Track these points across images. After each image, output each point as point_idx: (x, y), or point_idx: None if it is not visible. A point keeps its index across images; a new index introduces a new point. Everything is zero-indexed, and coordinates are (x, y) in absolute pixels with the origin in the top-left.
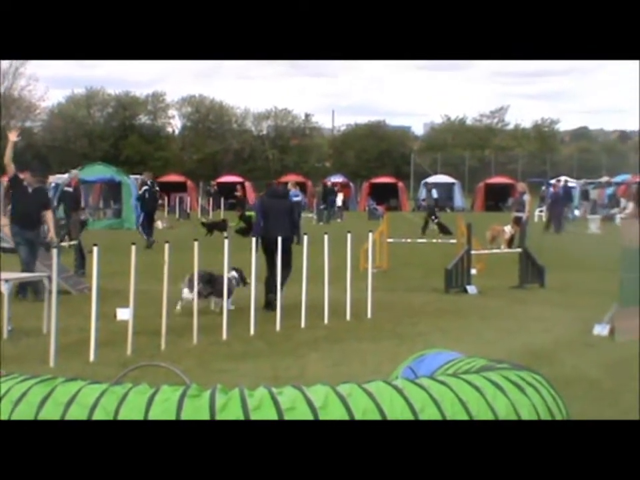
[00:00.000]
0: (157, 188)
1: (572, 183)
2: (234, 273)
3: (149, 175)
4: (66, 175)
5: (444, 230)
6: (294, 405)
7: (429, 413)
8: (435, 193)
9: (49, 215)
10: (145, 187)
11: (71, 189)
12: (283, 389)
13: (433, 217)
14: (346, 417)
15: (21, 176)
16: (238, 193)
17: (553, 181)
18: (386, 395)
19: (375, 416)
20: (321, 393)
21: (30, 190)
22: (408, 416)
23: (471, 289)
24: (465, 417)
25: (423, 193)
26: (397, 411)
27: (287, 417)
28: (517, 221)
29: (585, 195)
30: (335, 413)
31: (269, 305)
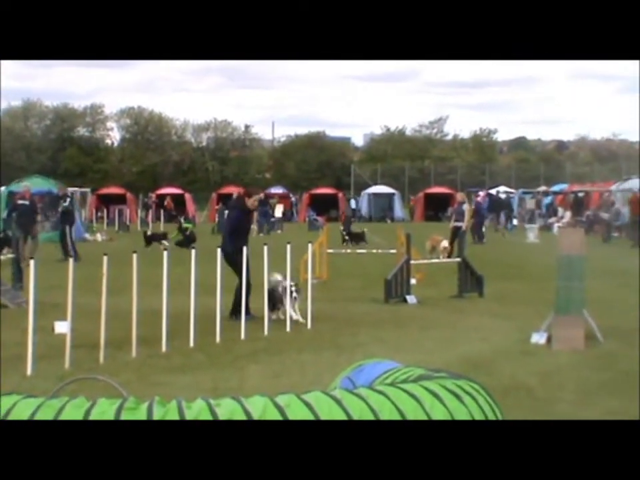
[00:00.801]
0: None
1: (510, 192)
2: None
3: (63, 188)
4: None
5: (355, 238)
6: (232, 416)
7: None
8: (353, 204)
9: None
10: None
11: (26, 202)
12: (221, 400)
13: (343, 228)
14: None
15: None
16: (165, 203)
17: (481, 193)
18: (324, 405)
19: (308, 416)
20: (259, 404)
21: None
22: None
23: (411, 299)
24: None
25: (352, 204)
26: (334, 420)
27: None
28: (456, 231)
29: (522, 204)
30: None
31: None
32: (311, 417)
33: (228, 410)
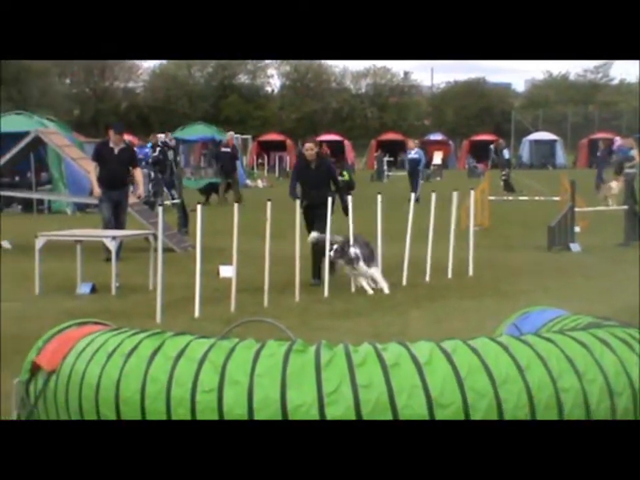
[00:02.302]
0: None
1: None
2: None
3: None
4: (162, 135)
5: (508, 188)
6: (398, 361)
7: (534, 370)
8: (505, 153)
9: (137, 173)
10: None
11: (228, 150)
12: (388, 345)
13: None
14: (451, 374)
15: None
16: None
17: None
18: (491, 351)
19: (479, 373)
20: (426, 349)
21: (116, 151)
22: (513, 372)
23: (574, 247)
24: (571, 374)
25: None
26: (502, 368)
27: (391, 373)
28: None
29: None
30: (439, 369)
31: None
32: (477, 363)
33: (394, 354)
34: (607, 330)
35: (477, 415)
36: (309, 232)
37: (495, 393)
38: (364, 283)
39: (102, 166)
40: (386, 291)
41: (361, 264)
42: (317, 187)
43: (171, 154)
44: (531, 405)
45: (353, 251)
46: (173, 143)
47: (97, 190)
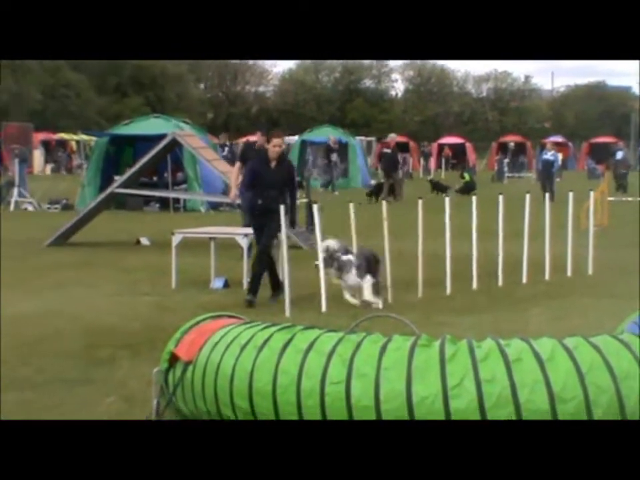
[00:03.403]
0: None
1: None
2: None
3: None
4: (295, 137)
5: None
6: (520, 356)
7: None
8: (619, 154)
9: None
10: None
11: (389, 151)
12: (510, 340)
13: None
14: (572, 370)
15: (253, 139)
16: (444, 152)
17: None
18: (612, 348)
19: (601, 369)
20: (548, 346)
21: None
22: (635, 369)
23: None
24: None
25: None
26: (623, 365)
27: (513, 368)
28: None
29: None
30: (561, 365)
31: None
32: (599, 360)
33: (517, 349)
34: None
35: (598, 410)
36: (258, 238)
37: (616, 389)
38: (347, 295)
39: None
40: (378, 306)
41: (350, 273)
42: (275, 189)
43: (334, 156)
44: None
45: (346, 258)
46: (336, 146)
47: (234, 193)
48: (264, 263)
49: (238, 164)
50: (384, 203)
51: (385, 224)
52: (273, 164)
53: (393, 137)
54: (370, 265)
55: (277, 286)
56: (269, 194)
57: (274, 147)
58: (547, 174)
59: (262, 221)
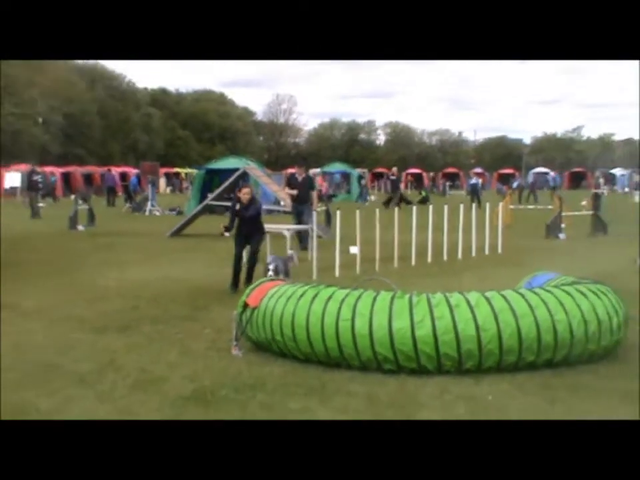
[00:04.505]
0: None
1: None
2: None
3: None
4: (318, 169)
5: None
6: (458, 303)
7: (540, 309)
8: (514, 183)
9: (314, 194)
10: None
11: (394, 177)
12: (452, 294)
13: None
14: (490, 311)
15: (292, 170)
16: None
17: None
18: (514, 297)
19: (507, 310)
20: (475, 296)
21: (299, 179)
22: (528, 311)
23: (562, 236)
24: (562, 312)
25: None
26: (521, 307)
27: (455, 312)
28: (594, 195)
29: (631, 178)
30: (483, 308)
31: None
32: (506, 305)
33: (456, 299)
34: (583, 285)
35: (505, 336)
36: (240, 250)
37: (516, 323)
38: None
39: (292, 188)
40: None
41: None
42: (250, 220)
43: (363, 181)
44: (537, 331)
45: (273, 265)
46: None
47: (289, 202)
48: (254, 260)
49: (285, 187)
50: (377, 209)
51: (377, 222)
52: (246, 204)
53: (395, 169)
54: (286, 265)
55: (238, 281)
56: (246, 223)
57: (244, 194)
58: (474, 191)
59: (246, 239)
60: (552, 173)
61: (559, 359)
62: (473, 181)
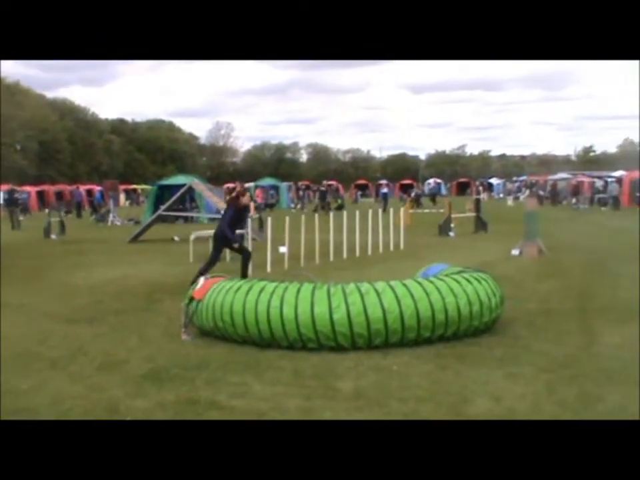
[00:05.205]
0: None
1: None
2: None
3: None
4: (252, 183)
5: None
6: (368, 292)
7: (433, 294)
8: (413, 192)
9: (252, 204)
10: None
11: (324, 189)
12: (363, 283)
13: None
14: (394, 297)
15: (231, 185)
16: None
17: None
18: (413, 285)
19: (408, 296)
20: (381, 285)
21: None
22: (424, 295)
23: (451, 234)
24: (452, 298)
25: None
26: (418, 292)
27: (365, 299)
28: (477, 200)
29: (505, 186)
30: (388, 295)
31: None
32: (407, 291)
33: (366, 288)
34: (468, 273)
35: (406, 317)
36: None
37: (415, 305)
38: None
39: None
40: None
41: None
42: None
43: (326, 195)
44: (432, 312)
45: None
46: (324, 188)
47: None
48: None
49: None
50: (302, 215)
51: (302, 225)
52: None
53: (325, 182)
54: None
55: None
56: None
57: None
58: (383, 199)
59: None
60: (442, 183)
61: (449, 334)
62: (384, 190)
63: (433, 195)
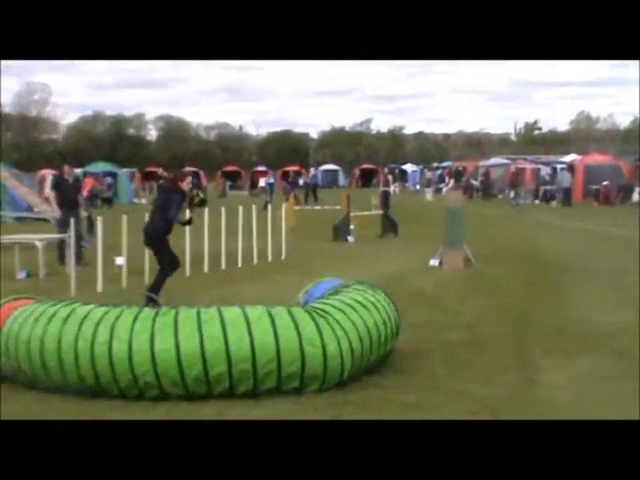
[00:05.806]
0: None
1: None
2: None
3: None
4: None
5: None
6: (235, 319)
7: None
8: (300, 181)
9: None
10: None
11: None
12: (228, 307)
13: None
14: (270, 328)
15: (49, 171)
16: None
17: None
18: (280, 314)
19: (291, 329)
20: (256, 311)
21: (70, 180)
22: (291, 325)
23: (350, 239)
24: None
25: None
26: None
27: (228, 330)
28: (384, 193)
29: (422, 175)
30: (263, 324)
31: None
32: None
33: (231, 313)
34: (359, 293)
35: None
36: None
37: (298, 334)
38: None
39: (61, 192)
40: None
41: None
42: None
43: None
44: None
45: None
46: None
47: (58, 212)
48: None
49: (51, 190)
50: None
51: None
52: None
53: (187, 171)
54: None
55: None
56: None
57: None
58: (267, 192)
59: None
60: (340, 170)
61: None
62: (270, 180)
63: (314, 187)
